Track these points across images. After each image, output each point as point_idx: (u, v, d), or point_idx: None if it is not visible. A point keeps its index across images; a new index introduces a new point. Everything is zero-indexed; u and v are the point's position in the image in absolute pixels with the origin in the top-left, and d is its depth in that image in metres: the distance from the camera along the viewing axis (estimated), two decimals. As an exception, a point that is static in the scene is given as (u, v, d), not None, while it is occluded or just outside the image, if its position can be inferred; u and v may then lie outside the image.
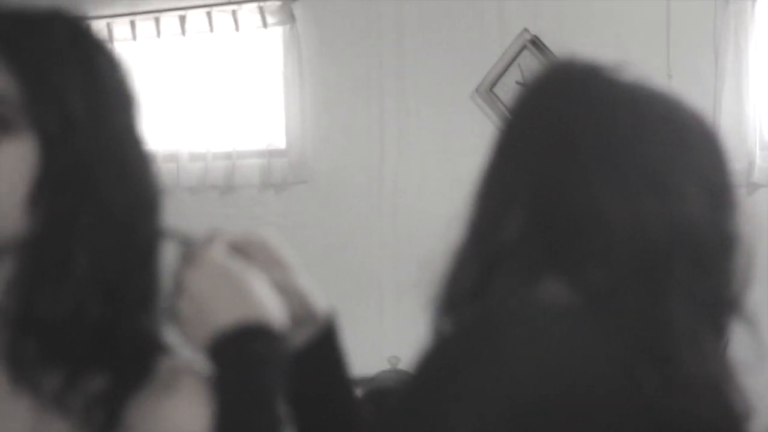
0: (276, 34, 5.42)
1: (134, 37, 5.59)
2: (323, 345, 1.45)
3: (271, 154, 5.44)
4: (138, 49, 5.54)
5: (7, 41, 1.27)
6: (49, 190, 1.25)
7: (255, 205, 5.47)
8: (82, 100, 1.28)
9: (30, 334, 1.25)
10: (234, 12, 5.45)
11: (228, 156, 5.48)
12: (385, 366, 4.92)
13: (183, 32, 5.53)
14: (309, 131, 5.39)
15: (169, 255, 1.35)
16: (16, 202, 1.24)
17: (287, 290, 1.38)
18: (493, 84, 5.01)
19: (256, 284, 1.30)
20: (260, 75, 5.46)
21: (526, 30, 4.99)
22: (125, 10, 5.61)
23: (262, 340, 1.26)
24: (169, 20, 5.56)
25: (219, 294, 1.28)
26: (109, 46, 1.38)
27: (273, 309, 1.29)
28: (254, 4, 5.43)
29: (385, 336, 5.18)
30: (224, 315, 1.27)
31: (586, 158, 1.28)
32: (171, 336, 1.33)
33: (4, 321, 1.27)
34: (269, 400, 1.24)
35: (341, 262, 5.29)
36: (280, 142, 5.44)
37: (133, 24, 5.59)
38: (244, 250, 1.35)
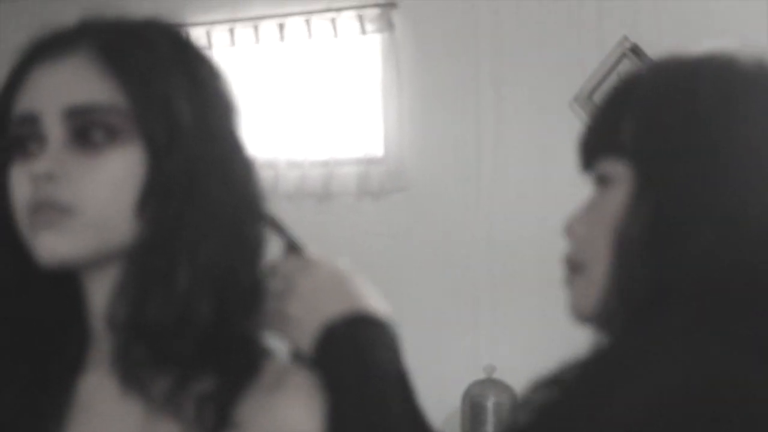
0: (374, 41, 5.43)
1: (233, 44, 5.64)
2: None
3: (369, 162, 5.45)
4: (237, 56, 5.59)
5: (113, 51, 1.29)
6: (157, 197, 1.28)
7: (352, 213, 5.49)
8: (187, 108, 1.30)
9: (139, 339, 1.27)
10: (333, 19, 5.47)
11: (325, 164, 5.50)
12: (480, 374, 4.90)
13: (282, 39, 5.56)
14: (406, 139, 5.39)
15: (272, 254, 1.39)
16: (124, 209, 1.26)
17: None
18: (593, 92, 4.97)
19: (359, 281, 1.35)
20: (358, 82, 5.47)
21: (625, 38, 4.95)
22: (225, 17, 5.67)
23: (372, 327, 1.30)
24: (268, 27, 5.60)
25: (327, 291, 1.32)
26: (208, 53, 1.39)
27: (378, 301, 1.33)
28: (353, 12, 5.45)
29: (481, 344, 5.16)
30: (332, 308, 1.30)
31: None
32: (271, 339, 1.35)
33: (113, 326, 1.30)
34: (385, 383, 1.27)
35: (437, 270, 5.28)
36: (377, 150, 5.45)
37: (232, 31, 5.64)
38: None
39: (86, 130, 1.27)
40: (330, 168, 5.49)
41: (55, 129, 1.27)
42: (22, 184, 1.28)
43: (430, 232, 5.37)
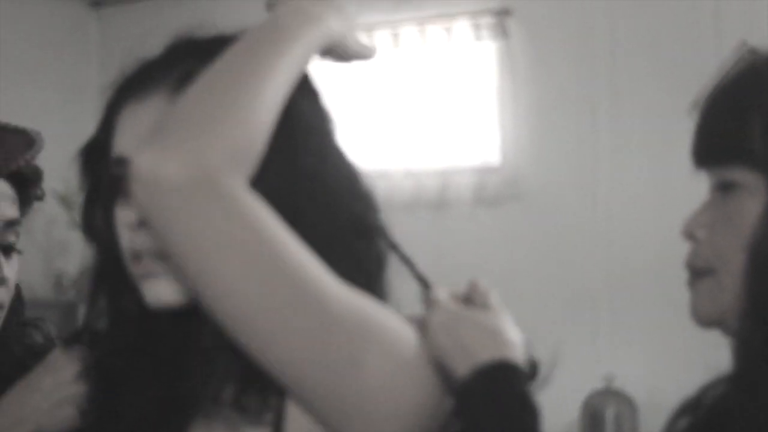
0: (489, 48, 5.42)
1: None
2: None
3: (484, 170, 5.44)
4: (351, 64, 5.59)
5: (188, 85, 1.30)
6: None
7: (467, 222, 5.47)
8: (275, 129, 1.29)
9: (239, 362, 1.27)
10: (447, 26, 5.47)
11: (440, 173, 5.50)
12: (599, 383, 4.86)
13: (395, 46, 5.57)
14: (523, 147, 5.37)
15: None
16: None
17: None
18: (711, 97, 4.90)
19: (505, 324, 1.31)
20: (472, 89, 5.46)
21: (744, 43, 4.87)
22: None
23: (515, 377, 1.27)
24: (382, 34, 5.61)
25: (478, 331, 1.29)
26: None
27: (519, 348, 1.30)
28: (467, 19, 5.44)
29: (600, 353, 5.12)
30: (483, 353, 1.27)
31: None
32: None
33: (212, 357, 1.30)
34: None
35: (555, 279, 5.25)
36: (493, 158, 5.43)
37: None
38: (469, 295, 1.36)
39: None
40: (445, 177, 5.49)
41: None
42: (121, 229, 1.31)
43: (546, 240, 5.33)
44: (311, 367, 1.17)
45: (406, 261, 1.37)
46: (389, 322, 1.21)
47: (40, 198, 1.68)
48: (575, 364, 5.13)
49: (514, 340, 1.29)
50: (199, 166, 1.09)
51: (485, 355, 1.25)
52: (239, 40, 1.24)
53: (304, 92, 1.32)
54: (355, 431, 1.20)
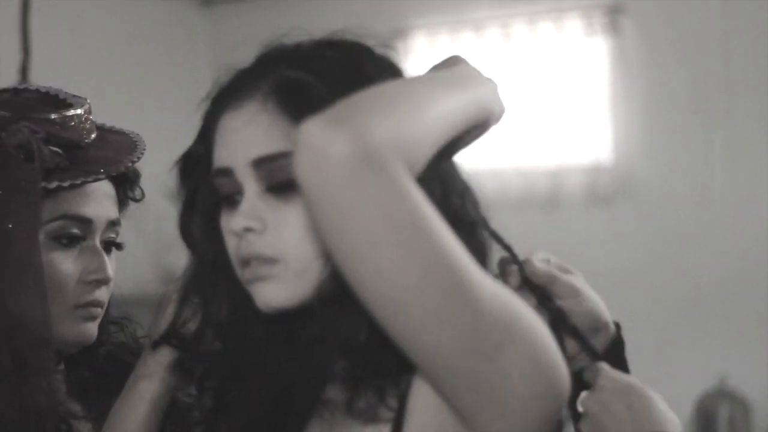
0: (600, 44, 5.38)
1: (456, 45, 5.64)
2: (613, 351, 1.48)
3: (596, 169, 5.39)
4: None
5: (286, 94, 1.31)
6: None
7: (579, 222, 5.43)
8: None
9: (351, 361, 1.29)
10: (558, 23, 5.44)
11: (552, 171, 5.46)
12: (712, 382, 4.79)
13: (505, 40, 5.55)
14: (635, 145, 5.31)
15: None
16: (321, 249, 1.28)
17: (583, 313, 1.45)
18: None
19: (657, 402, 1.34)
20: (583, 86, 5.42)
21: None
22: (447, 19, 5.69)
23: None
24: (491, 28, 5.60)
25: (624, 414, 1.31)
26: (393, 61, 1.38)
27: (674, 426, 1.32)
28: (578, 13, 5.40)
29: (713, 353, 5.04)
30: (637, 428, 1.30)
31: None
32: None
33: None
34: None
35: (668, 278, 5.19)
36: (604, 157, 5.38)
37: (454, 33, 5.67)
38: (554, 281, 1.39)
39: (274, 177, 1.30)
40: (556, 176, 5.45)
41: (247, 180, 1.32)
42: (228, 237, 1.34)
43: (659, 238, 5.27)
44: (457, 352, 1.17)
45: (509, 252, 1.39)
46: (523, 307, 1.22)
47: (138, 199, 1.71)
48: (688, 364, 5.06)
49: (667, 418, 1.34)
50: (367, 141, 1.10)
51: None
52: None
53: None
54: (491, 415, 1.21)
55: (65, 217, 1.60)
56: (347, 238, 1.12)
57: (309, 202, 1.13)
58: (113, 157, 1.63)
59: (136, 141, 1.68)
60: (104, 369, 1.70)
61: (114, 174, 1.63)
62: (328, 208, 1.11)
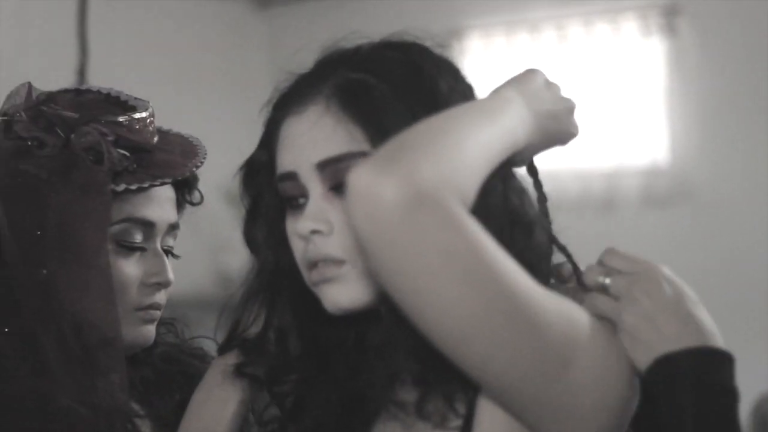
0: (657, 46, 5.34)
1: (510, 46, 5.64)
2: None
3: (653, 171, 5.35)
4: (514, 58, 5.60)
5: (347, 96, 1.32)
6: None
7: (636, 224, 5.40)
8: None
9: (410, 362, 1.30)
10: (614, 23, 5.41)
11: (608, 173, 5.43)
12: (770, 390, 4.76)
13: (560, 41, 5.53)
14: (692, 147, 5.28)
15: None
16: None
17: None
18: None
19: (703, 310, 1.30)
20: (641, 88, 5.38)
21: None
22: (502, 19, 5.68)
23: (720, 367, 1.26)
24: (547, 29, 5.58)
25: (674, 316, 1.27)
26: (451, 61, 1.39)
27: (719, 337, 1.29)
28: (635, 14, 5.37)
29: (772, 358, 5.01)
30: (680, 339, 1.26)
31: None
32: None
33: (386, 356, 1.33)
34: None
35: (725, 281, 5.14)
36: (661, 159, 5.34)
37: (509, 33, 5.65)
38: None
39: (340, 179, 1.30)
40: (612, 178, 5.42)
41: (312, 183, 1.33)
42: (294, 240, 1.35)
43: (717, 241, 5.23)
44: (524, 376, 1.18)
45: (565, 253, 1.38)
46: (585, 319, 1.22)
47: (197, 203, 1.71)
48: (746, 366, 5.01)
49: (713, 329, 1.28)
50: (417, 182, 1.09)
51: (688, 342, 1.25)
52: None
53: (453, 89, 1.34)
54: (562, 429, 1.22)
55: (129, 220, 1.60)
56: (409, 281, 1.12)
57: (366, 250, 1.12)
58: (179, 161, 1.64)
59: (196, 145, 1.69)
60: (161, 369, 1.71)
61: (180, 178, 1.64)
62: (387, 254, 1.11)
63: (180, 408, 1.62)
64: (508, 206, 1.32)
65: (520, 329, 1.14)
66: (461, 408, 1.28)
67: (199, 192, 1.71)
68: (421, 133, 1.16)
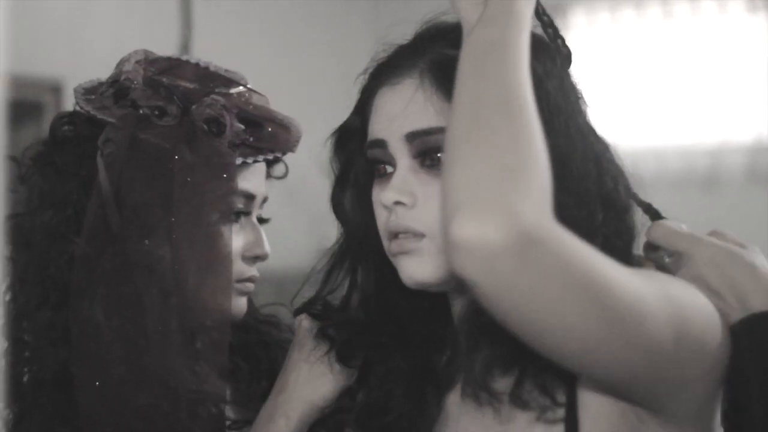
0: (763, 22, 5.25)
1: (615, 22, 5.58)
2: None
3: (758, 148, 5.27)
4: (619, 36, 5.54)
5: (440, 72, 1.33)
6: None
7: (739, 202, 5.32)
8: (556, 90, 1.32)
9: (491, 345, 1.29)
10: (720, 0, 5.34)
11: (712, 150, 5.36)
12: None
13: (667, 19, 5.46)
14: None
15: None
16: None
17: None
18: None
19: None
20: (746, 65, 5.29)
21: None
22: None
23: None
24: (653, 8, 5.51)
25: (740, 275, 1.32)
26: (549, 39, 1.38)
27: None
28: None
29: None
30: (751, 298, 1.30)
31: None
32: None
33: (468, 334, 1.34)
34: None
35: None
36: (767, 135, 5.26)
37: (614, 9, 5.59)
38: None
39: (426, 153, 1.33)
40: (716, 155, 5.35)
41: (399, 153, 1.34)
42: (378, 208, 1.37)
43: (824, 222, 5.14)
44: (640, 370, 1.19)
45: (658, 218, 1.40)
46: (685, 291, 1.24)
47: (281, 177, 1.71)
48: None
49: None
50: (520, 221, 1.05)
51: (758, 300, 1.29)
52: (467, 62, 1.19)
53: (548, 72, 1.33)
54: (677, 402, 1.24)
55: (235, 193, 1.60)
56: (531, 315, 1.10)
57: (484, 299, 1.09)
58: (285, 137, 1.64)
59: (290, 120, 1.68)
60: (242, 340, 1.71)
61: (289, 153, 1.64)
62: (507, 298, 1.08)
63: (260, 382, 1.66)
64: (602, 190, 1.32)
65: (633, 329, 1.14)
66: (560, 396, 1.27)
67: (285, 165, 1.71)
68: (496, 167, 1.09)
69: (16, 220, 1.62)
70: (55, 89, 4.56)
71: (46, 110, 4.54)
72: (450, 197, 1.08)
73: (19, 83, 4.32)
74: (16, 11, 4.18)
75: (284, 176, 1.72)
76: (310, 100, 4.26)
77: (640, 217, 1.39)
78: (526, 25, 1.19)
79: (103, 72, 1.65)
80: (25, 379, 1.60)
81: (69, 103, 1.65)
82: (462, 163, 1.09)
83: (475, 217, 1.05)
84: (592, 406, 1.26)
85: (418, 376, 1.38)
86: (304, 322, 1.54)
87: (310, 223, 5.57)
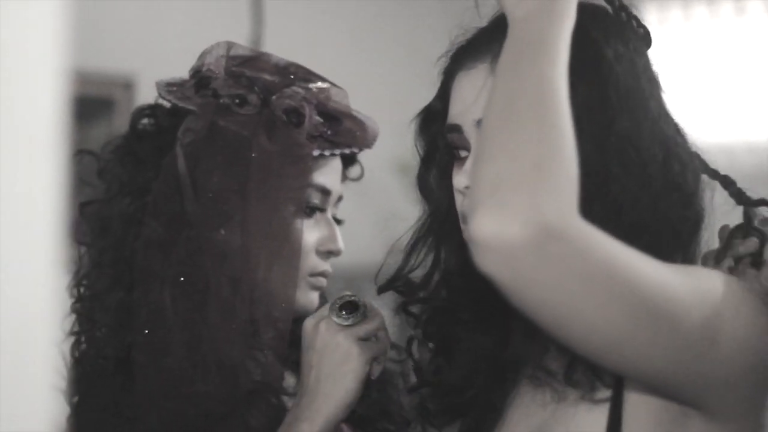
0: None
1: (688, 19, 5.54)
2: None
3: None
4: (692, 31, 5.49)
5: None
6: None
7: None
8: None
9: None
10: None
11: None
12: None
13: (739, 16, 5.41)
14: None
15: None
16: None
17: None
18: None
19: None
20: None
21: None
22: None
23: None
24: (726, 4, 5.47)
25: None
26: (628, 30, 1.40)
27: None
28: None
29: None
30: None
31: None
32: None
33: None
34: None
35: None
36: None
37: (686, 5, 5.55)
38: None
39: None
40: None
41: (473, 138, 1.35)
42: (455, 192, 1.39)
43: None
44: (675, 369, 1.20)
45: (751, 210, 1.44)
46: (726, 288, 1.22)
47: (356, 178, 1.72)
48: None
49: None
50: (541, 217, 1.07)
51: None
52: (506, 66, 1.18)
53: (619, 55, 1.32)
54: (718, 399, 1.24)
55: (311, 185, 1.61)
56: (554, 311, 1.12)
57: (508, 293, 1.11)
58: (361, 134, 1.65)
59: (367, 117, 1.69)
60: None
61: (366, 149, 1.65)
62: (528, 294, 1.10)
63: None
64: (668, 174, 1.31)
65: (662, 326, 1.15)
66: (607, 378, 1.28)
67: (361, 166, 1.71)
68: (521, 163, 1.09)
69: (93, 207, 1.64)
70: (127, 85, 4.59)
71: (118, 106, 4.58)
72: (474, 192, 1.11)
73: (90, 80, 4.35)
74: (87, 7, 4.22)
75: (360, 178, 1.72)
76: (381, 97, 4.25)
77: (719, 199, 1.40)
78: (566, 23, 1.19)
79: (174, 68, 1.67)
80: (89, 362, 1.62)
81: (141, 99, 1.67)
82: (488, 158, 1.10)
83: (496, 212, 1.07)
84: (638, 391, 1.27)
85: (499, 353, 1.39)
86: (308, 322, 1.55)
87: (380, 220, 5.58)
